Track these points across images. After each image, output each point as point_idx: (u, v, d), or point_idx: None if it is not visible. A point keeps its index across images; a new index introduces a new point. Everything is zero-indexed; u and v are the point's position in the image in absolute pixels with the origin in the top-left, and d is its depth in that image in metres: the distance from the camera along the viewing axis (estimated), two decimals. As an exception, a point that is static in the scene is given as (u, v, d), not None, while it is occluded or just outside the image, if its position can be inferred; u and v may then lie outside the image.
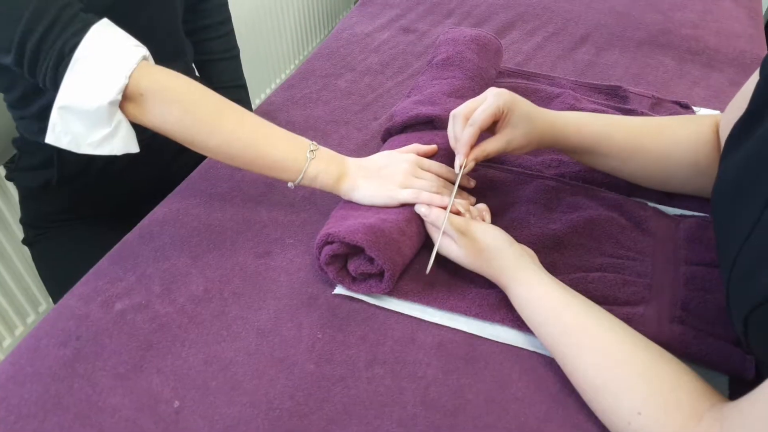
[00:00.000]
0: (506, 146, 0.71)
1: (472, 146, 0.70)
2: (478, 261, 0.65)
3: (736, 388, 0.47)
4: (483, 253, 0.64)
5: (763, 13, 1.53)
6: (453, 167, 0.76)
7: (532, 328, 0.61)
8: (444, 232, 0.66)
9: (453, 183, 0.73)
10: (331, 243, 0.65)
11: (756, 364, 0.56)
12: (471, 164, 0.70)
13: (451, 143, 0.73)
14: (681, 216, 0.76)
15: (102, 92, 0.63)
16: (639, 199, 0.77)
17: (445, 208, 0.68)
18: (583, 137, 0.74)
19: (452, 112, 0.73)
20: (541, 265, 0.64)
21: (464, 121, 0.70)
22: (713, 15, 1.25)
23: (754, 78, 0.63)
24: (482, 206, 0.73)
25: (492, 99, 0.69)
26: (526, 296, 0.61)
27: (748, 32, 1.20)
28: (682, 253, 0.70)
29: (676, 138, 0.73)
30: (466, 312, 0.64)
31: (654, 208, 0.76)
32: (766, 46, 1.17)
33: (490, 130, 0.72)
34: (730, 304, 0.52)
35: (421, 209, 0.68)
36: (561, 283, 0.61)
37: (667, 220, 0.75)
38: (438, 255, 0.65)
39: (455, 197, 0.69)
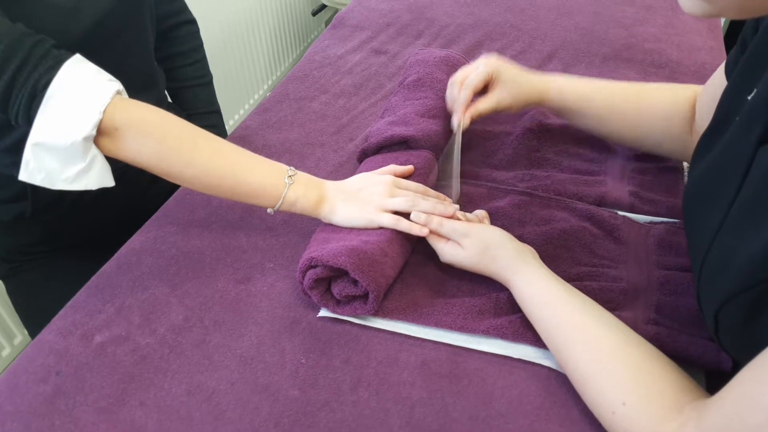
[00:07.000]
0: (496, 105, 0.82)
1: (468, 106, 0.81)
2: (484, 260, 0.67)
3: (714, 384, 0.49)
4: (488, 251, 0.67)
5: (722, 25, 1.58)
6: (429, 186, 0.78)
7: (531, 322, 0.63)
8: (448, 239, 0.70)
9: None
10: (315, 267, 0.66)
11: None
12: (467, 121, 0.81)
13: (449, 106, 0.85)
14: (650, 223, 0.78)
15: (76, 128, 0.63)
16: (609, 209, 0.80)
17: (428, 232, 0.71)
18: (564, 99, 0.84)
19: (450, 80, 0.85)
20: (541, 262, 0.66)
21: (460, 86, 0.82)
22: (674, 29, 1.29)
23: (722, 67, 0.68)
24: (481, 212, 0.75)
25: (482, 66, 0.81)
26: (526, 291, 0.63)
27: (708, 44, 1.24)
28: (653, 259, 0.72)
29: (652, 105, 0.80)
30: (451, 326, 0.65)
31: (624, 217, 0.78)
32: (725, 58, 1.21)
33: (483, 93, 0.83)
34: (701, 304, 0.54)
35: (420, 216, 0.71)
36: (560, 279, 0.63)
37: (638, 227, 0.77)
38: (440, 265, 0.71)
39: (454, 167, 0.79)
